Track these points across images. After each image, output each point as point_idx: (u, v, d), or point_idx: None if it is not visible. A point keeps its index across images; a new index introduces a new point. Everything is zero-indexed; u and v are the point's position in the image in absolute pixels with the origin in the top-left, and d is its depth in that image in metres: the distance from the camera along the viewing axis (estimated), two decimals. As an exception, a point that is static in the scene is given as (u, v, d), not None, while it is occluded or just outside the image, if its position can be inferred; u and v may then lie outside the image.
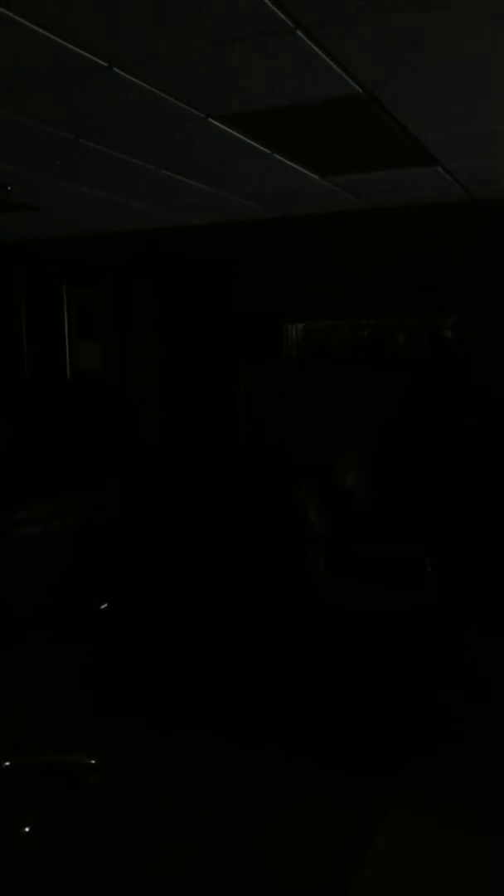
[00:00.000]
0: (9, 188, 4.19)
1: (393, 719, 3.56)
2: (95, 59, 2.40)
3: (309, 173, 4.01)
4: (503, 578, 4.40)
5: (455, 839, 2.75)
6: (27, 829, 2.81)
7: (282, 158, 3.70)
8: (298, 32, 2.22)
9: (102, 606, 3.13)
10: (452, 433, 4.95)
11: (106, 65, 2.46)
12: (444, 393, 4.98)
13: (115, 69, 2.49)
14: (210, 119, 3.05)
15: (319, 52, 2.37)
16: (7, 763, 3.15)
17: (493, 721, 3.51)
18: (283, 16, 2.10)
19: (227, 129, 3.18)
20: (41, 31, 2.19)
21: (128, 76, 2.55)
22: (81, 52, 2.34)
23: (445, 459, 4.93)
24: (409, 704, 3.69)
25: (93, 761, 3.18)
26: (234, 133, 3.24)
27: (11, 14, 2.08)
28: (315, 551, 4.18)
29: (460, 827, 2.81)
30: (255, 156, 3.61)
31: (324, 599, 4.16)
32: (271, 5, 2.03)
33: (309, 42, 2.28)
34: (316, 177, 4.09)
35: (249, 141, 3.37)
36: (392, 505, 4.71)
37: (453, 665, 4.06)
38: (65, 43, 2.28)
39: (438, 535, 4.46)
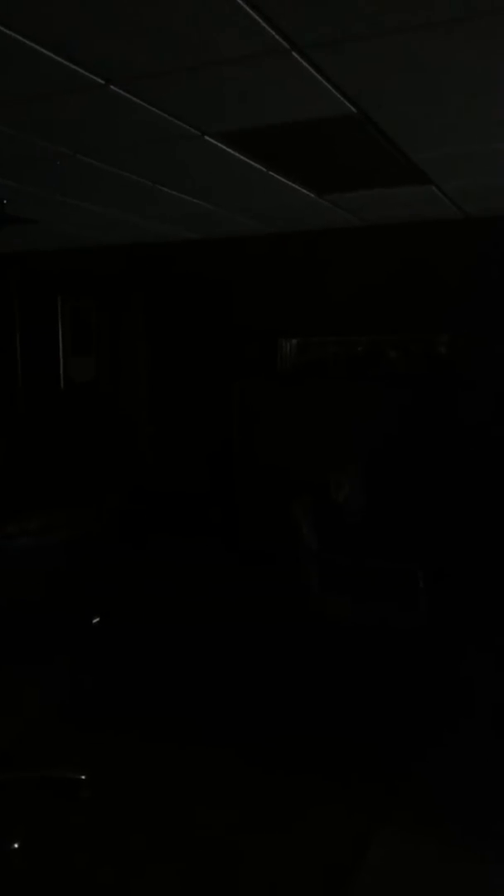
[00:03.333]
0: (4, 201, 4.21)
1: (386, 733, 3.56)
2: (92, 76, 2.43)
3: (304, 191, 4.04)
4: (496, 593, 4.41)
5: (448, 851, 2.74)
6: (16, 845, 2.80)
7: (277, 176, 3.73)
8: (294, 53, 2.24)
9: (94, 620, 3.13)
10: (446, 449, 4.96)
11: (103, 82, 2.48)
12: (437, 408, 5.00)
13: (112, 86, 2.51)
14: (206, 137, 3.07)
15: (314, 73, 2.39)
16: (-4, 778, 3.13)
17: (485, 735, 3.51)
18: (278, 37, 2.13)
19: (223, 146, 3.21)
20: (38, 47, 2.21)
21: (124, 93, 2.57)
22: (78, 69, 2.37)
23: (439, 475, 4.94)
24: (403, 718, 3.68)
25: (83, 776, 3.16)
26: (230, 151, 3.27)
27: (9, 31, 2.10)
28: (309, 566, 4.18)
29: (454, 839, 2.81)
30: (250, 173, 3.63)
31: (317, 614, 4.16)
32: (267, 27, 2.06)
33: (304, 63, 2.31)
34: (311, 194, 4.12)
35: (245, 159, 3.40)
36: (385, 520, 4.72)
37: (446, 679, 4.06)
38: (62, 60, 2.30)
39: (431, 550, 4.47)
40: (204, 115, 2.84)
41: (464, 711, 3.76)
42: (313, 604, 4.16)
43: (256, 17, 2.01)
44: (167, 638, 4.70)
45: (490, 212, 4.64)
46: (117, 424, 6.14)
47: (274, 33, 2.10)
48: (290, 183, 3.86)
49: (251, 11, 1.97)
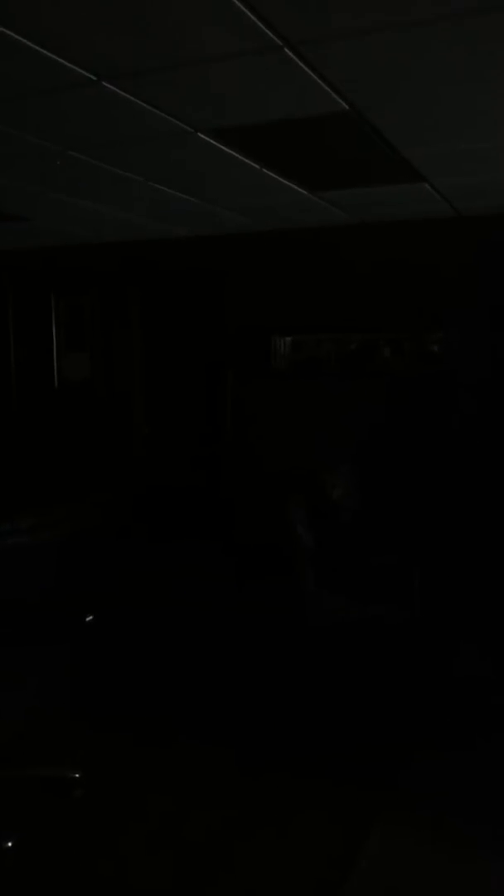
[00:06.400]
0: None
1: (381, 732, 3.56)
2: (84, 72, 2.42)
3: (297, 188, 4.03)
4: (489, 590, 4.42)
5: (443, 850, 2.75)
6: (10, 844, 2.79)
7: (270, 173, 3.72)
8: (286, 50, 2.24)
9: (88, 618, 3.12)
10: (439, 446, 4.97)
11: (94, 78, 2.47)
12: (430, 406, 5.01)
13: (104, 83, 2.50)
14: (199, 133, 3.06)
15: (307, 70, 2.39)
16: (-10, 776, 3.12)
17: (480, 734, 3.52)
18: (270, 33, 2.12)
19: (215, 143, 3.20)
20: (30, 43, 2.20)
21: (116, 90, 2.57)
22: (70, 65, 2.36)
23: (432, 473, 4.95)
24: (398, 717, 3.68)
25: (77, 775, 3.16)
26: (223, 148, 3.26)
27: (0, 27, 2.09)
28: (303, 564, 4.18)
29: (448, 838, 2.81)
30: (243, 170, 3.63)
31: (312, 612, 4.16)
32: (259, 22, 2.06)
33: (296, 59, 2.30)
34: (304, 192, 4.12)
35: (238, 156, 3.39)
36: (380, 518, 4.72)
37: (440, 677, 4.06)
38: (53, 56, 2.29)
39: (426, 547, 4.48)
40: (197, 112, 2.83)
41: (459, 710, 3.76)
42: (308, 602, 4.16)
43: (248, 14, 2.00)
44: (161, 636, 4.69)
45: (483, 210, 4.64)
46: (111, 422, 6.13)
47: (265, 29, 2.10)
48: (283, 180, 3.86)
49: (243, 8, 1.96)
